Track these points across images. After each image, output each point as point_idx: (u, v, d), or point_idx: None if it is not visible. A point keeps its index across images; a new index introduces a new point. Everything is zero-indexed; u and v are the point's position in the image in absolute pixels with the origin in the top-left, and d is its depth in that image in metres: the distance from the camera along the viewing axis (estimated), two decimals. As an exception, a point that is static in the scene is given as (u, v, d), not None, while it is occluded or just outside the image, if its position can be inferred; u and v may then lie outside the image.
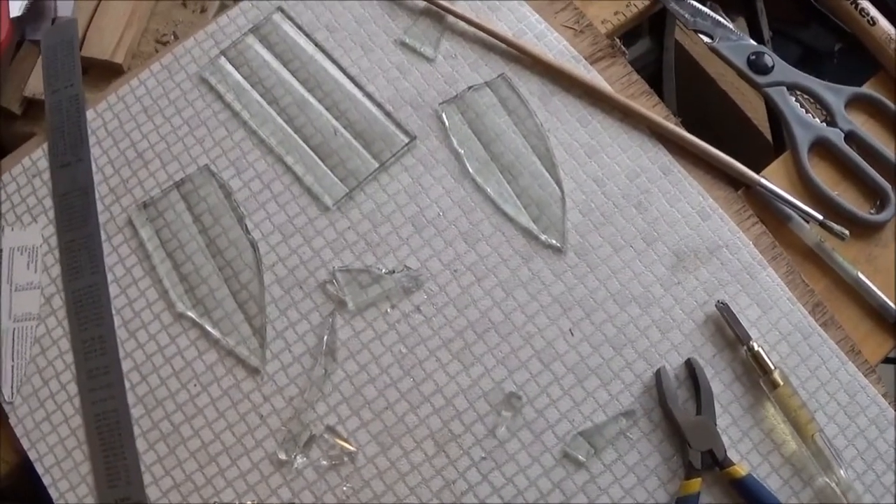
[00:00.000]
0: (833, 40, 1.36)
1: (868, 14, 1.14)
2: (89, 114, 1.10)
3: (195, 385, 1.00)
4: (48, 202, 1.07)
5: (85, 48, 1.18)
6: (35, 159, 1.09)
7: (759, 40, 1.23)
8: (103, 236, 1.05)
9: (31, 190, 1.08)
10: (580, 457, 0.96)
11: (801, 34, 1.38)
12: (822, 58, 1.39)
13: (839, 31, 1.20)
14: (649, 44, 1.34)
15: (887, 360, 1.12)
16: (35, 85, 1.18)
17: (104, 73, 1.19)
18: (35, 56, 1.20)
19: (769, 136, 1.33)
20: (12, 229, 1.06)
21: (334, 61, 1.10)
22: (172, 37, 1.22)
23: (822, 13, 1.19)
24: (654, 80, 1.23)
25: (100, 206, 1.06)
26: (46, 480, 0.98)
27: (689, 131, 1.07)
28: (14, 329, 1.02)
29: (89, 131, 1.09)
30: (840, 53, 1.34)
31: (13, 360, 1.01)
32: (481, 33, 1.10)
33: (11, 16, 1.18)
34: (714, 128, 1.28)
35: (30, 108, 1.21)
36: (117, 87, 1.11)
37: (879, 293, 1.03)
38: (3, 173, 1.09)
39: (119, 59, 1.18)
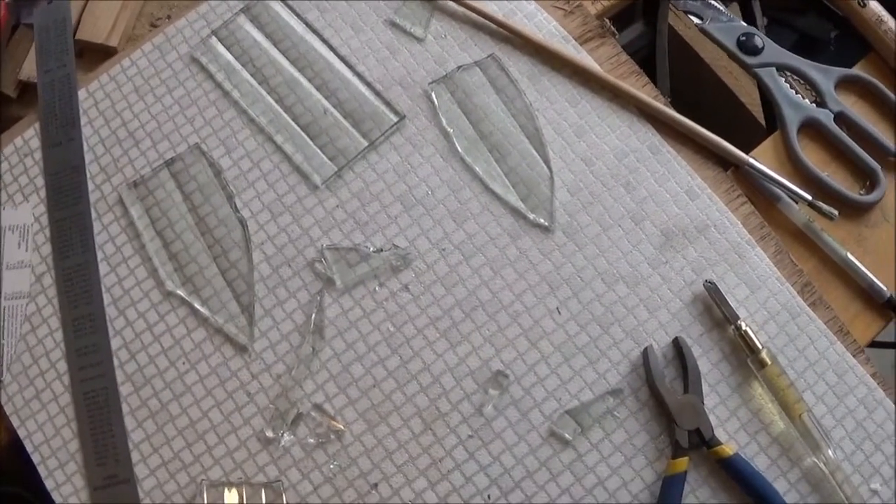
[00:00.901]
0: (829, 27, 1.36)
1: (860, -4, 1.14)
2: (81, 94, 1.10)
3: (183, 363, 1.00)
4: (39, 181, 1.07)
5: (80, 31, 1.18)
6: (27, 139, 1.09)
7: (752, 24, 1.22)
8: (93, 215, 1.05)
9: (23, 169, 1.08)
10: (567, 435, 0.96)
11: (797, 21, 1.37)
12: (819, 44, 1.39)
13: (835, 17, 1.20)
14: (642, 28, 1.34)
15: (880, 345, 1.12)
16: (30, 68, 1.18)
17: (99, 56, 1.19)
18: (30, 40, 1.20)
19: (763, 121, 1.33)
20: (3, 208, 1.06)
21: (325, 41, 1.10)
22: (167, 20, 1.22)
23: (816, 1, 1.19)
24: (648, 64, 1.22)
25: (90, 186, 1.07)
26: (35, 458, 0.98)
27: (682, 114, 1.06)
28: (5, 307, 1.03)
29: (81, 111, 1.09)
30: (836, 40, 1.33)
31: (3, 339, 1.02)
32: (471, 13, 1.10)
33: (6, -1, 1.18)
34: (707, 112, 1.27)
35: (24, 92, 1.21)
36: (109, 68, 1.12)
37: (868, 273, 1.03)
38: (-3, 153, 1.09)
39: (113, 42, 1.18)
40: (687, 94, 1.26)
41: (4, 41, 1.21)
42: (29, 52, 1.19)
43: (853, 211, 1.07)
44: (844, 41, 1.19)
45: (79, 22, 1.19)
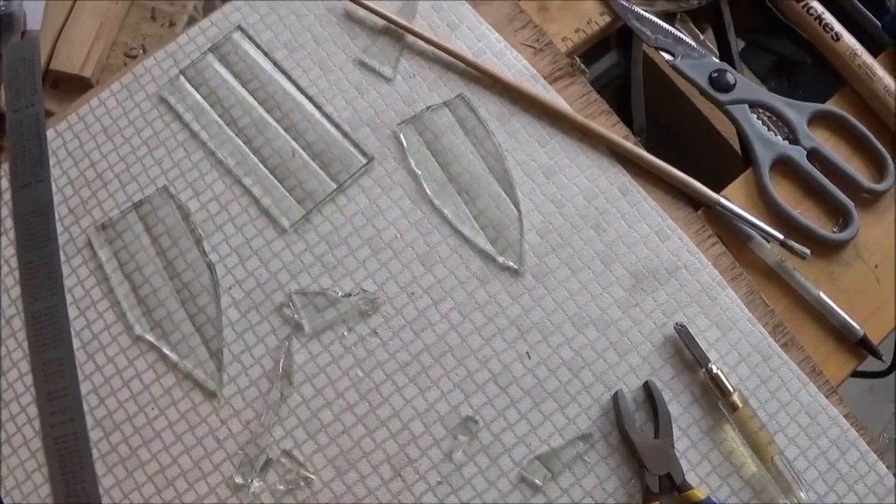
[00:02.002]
0: (804, 53, 1.35)
1: (832, 29, 1.13)
2: (50, 133, 1.09)
3: (153, 408, 0.99)
4: (8, 223, 1.06)
5: (54, 62, 1.17)
6: (-4, 179, 1.08)
7: (728, 52, 1.22)
8: (63, 257, 1.05)
9: (-7, 210, 1.07)
10: (537, 481, 0.96)
11: (774, 44, 1.37)
12: (796, 67, 1.38)
13: (806, 44, 1.19)
14: (616, 57, 1.33)
15: (861, 374, 1.11)
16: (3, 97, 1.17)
17: (74, 86, 1.18)
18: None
19: (740, 151, 1.33)
20: (-27, 249, 1.06)
21: (293, 81, 1.09)
22: (141, 50, 1.21)
23: (788, 27, 1.18)
24: (623, 94, 1.22)
25: (59, 227, 1.06)
26: (7, 502, 0.97)
27: (660, 145, 1.06)
28: (-26, 351, 1.02)
29: (50, 151, 1.09)
30: (814, 62, 1.33)
31: (-27, 383, 1.01)
32: (440, 52, 1.09)
33: (-21, 29, 1.18)
34: (684, 142, 1.27)
35: (3, 122, 1.20)
36: (78, 107, 1.11)
37: (841, 313, 1.03)
38: (-35, 194, 1.08)
39: (88, 73, 1.17)
40: (664, 124, 1.25)
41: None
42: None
43: (826, 249, 1.06)
44: (822, 64, 1.18)
45: (52, 52, 1.18)
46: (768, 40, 1.36)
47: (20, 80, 1.12)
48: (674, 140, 1.11)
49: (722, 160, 1.38)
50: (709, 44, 1.23)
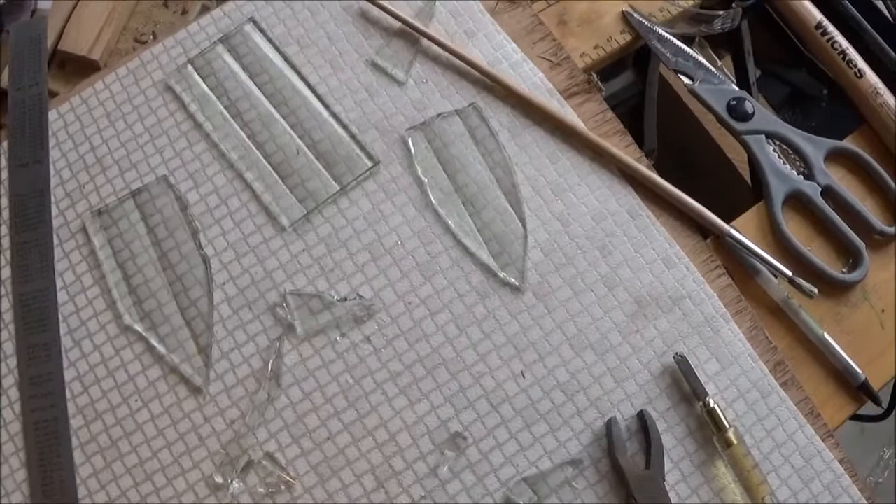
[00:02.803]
0: (820, 84, 1.34)
1: (855, 66, 1.11)
2: (51, 114, 1.08)
3: (136, 400, 0.97)
4: (3, 201, 1.05)
5: (62, 42, 1.16)
6: (-7, 157, 1.06)
7: (745, 80, 1.20)
8: (56, 241, 1.03)
9: (-13, 188, 1.05)
10: (522, 503, 0.93)
11: (790, 75, 1.35)
12: (811, 100, 1.37)
13: (825, 78, 1.18)
14: (632, 77, 1.31)
15: (855, 417, 1.10)
16: (7, 76, 1.16)
17: (81, 68, 1.17)
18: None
19: (750, 180, 1.31)
20: (-36, 227, 1.04)
21: (303, 78, 1.07)
22: (151, 36, 1.20)
23: (809, 60, 1.17)
24: (636, 114, 1.20)
25: (54, 210, 1.04)
26: (-18, 485, 0.96)
27: (669, 168, 1.05)
28: (-41, 330, 1.00)
29: (50, 132, 1.07)
30: (829, 96, 1.31)
31: (-44, 363, 0.99)
32: (455, 59, 1.08)
33: (-10, 7, 1.16)
34: (695, 167, 1.25)
35: (5, 100, 1.19)
36: (82, 90, 1.09)
37: (844, 355, 1.01)
38: (-40, 170, 1.07)
39: (96, 55, 1.16)
40: (675, 147, 1.24)
41: (-15, 48, 1.19)
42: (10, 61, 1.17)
43: (834, 289, 1.05)
44: (837, 98, 1.17)
45: (62, 33, 1.17)
46: (784, 71, 1.34)
47: (25, 59, 1.11)
48: (683, 164, 1.10)
49: (730, 189, 1.36)
50: (726, 70, 1.21)
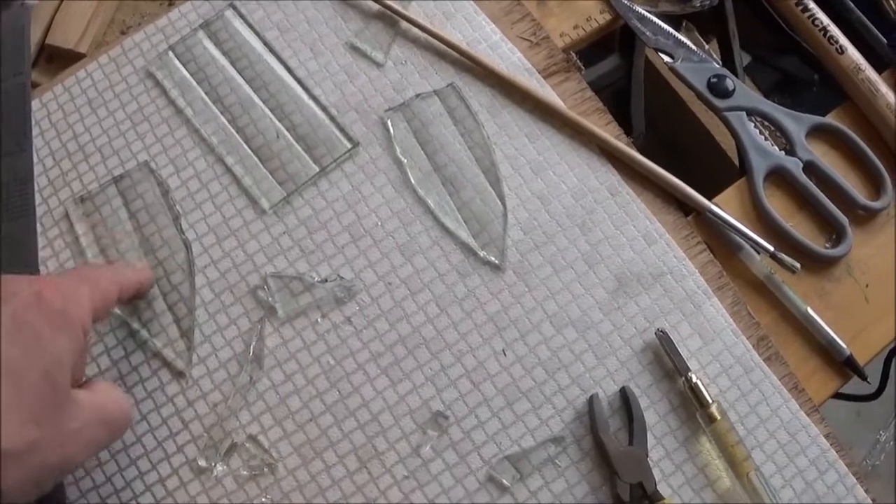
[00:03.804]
0: (811, 70, 1.33)
1: (837, 42, 1.11)
2: (35, 104, 1.08)
3: (120, 385, 0.97)
4: (-13, 191, 1.05)
5: (50, 36, 1.16)
6: (-22, 147, 1.07)
7: (731, 63, 1.20)
8: (39, 229, 1.03)
9: (-28, 178, 1.06)
10: (505, 481, 0.93)
11: (780, 61, 1.35)
12: (801, 85, 1.36)
13: (811, 58, 1.17)
14: (618, 60, 1.31)
15: (849, 397, 1.09)
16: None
17: (69, 62, 1.17)
18: (0, 39, 1.19)
19: (737, 161, 1.31)
20: (-52, 217, 1.04)
21: (282, 62, 1.08)
22: (137, 28, 1.20)
23: (794, 41, 1.16)
24: (623, 97, 1.20)
25: (38, 199, 1.04)
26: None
27: (657, 151, 1.04)
28: (-56, 319, 1.00)
29: (33, 121, 1.07)
30: (820, 82, 1.31)
31: (-60, 352, 0.99)
32: (434, 40, 1.08)
33: (-24, -3, 1.17)
34: (682, 150, 1.25)
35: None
36: (64, 78, 1.09)
37: (829, 330, 1.01)
38: (-56, 160, 1.07)
39: (83, 49, 1.16)
40: (662, 130, 1.23)
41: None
42: (-2, 52, 1.17)
43: (817, 264, 1.04)
44: (829, 82, 1.16)
45: (49, 27, 1.17)
46: (774, 57, 1.34)
47: (8, 50, 1.11)
48: (672, 147, 1.10)
49: (719, 170, 1.36)
50: (713, 54, 1.21)
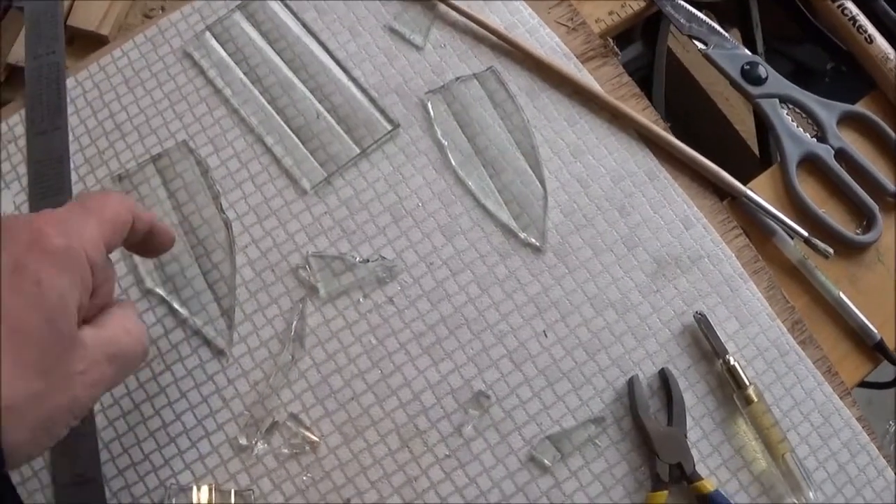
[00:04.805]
0: (826, 58, 1.35)
1: (866, 32, 1.12)
2: (69, 82, 1.08)
3: (159, 363, 0.97)
4: (22, 169, 1.04)
5: (71, 18, 1.16)
6: (12, 125, 1.06)
7: (753, 52, 1.21)
8: (76, 207, 1.02)
9: (6, 156, 1.05)
10: (546, 461, 0.94)
11: (793, 51, 1.36)
12: (814, 75, 1.38)
13: (833, 48, 1.19)
14: (641, 48, 1.32)
15: (865, 384, 1.10)
16: (19, 52, 1.15)
17: (89, 43, 1.16)
18: (20, 24, 1.18)
19: (756, 149, 1.32)
20: (-16, 194, 1.04)
21: (321, 43, 1.08)
22: (161, 11, 1.20)
23: (817, 30, 1.18)
24: (644, 85, 1.21)
25: (74, 177, 1.04)
26: (3, 451, 0.95)
27: (676, 138, 1.05)
28: (-21, 296, 1.00)
29: (68, 100, 1.07)
30: (832, 72, 1.32)
31: (-24, 328, 0.99)
32: (472, 24, 1.08)
33: (-4, -19, 1.16)
34: (701, 137, 1.27)
35: (12, 76, 1.18)
36: (99, 57, 1.09)
37: (860, 314, 1.02)
38: (-23, 138, 1.06)
39: (105, 30, 1.16)
40: (681, 117, 1.25)
41: (-7, 23, 1.19)
42: (18, 36, 1.17)
43: (848, 250, 1.05)
44: (840, 73, 1.18)
45: (70, 8, 1.17)
46: (788, 47, 1.36)
47: (41, 29, 1.11)
48: (689, 134, 1.10)
49: (737, 158, 1.38)
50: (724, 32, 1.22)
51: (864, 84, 1.16)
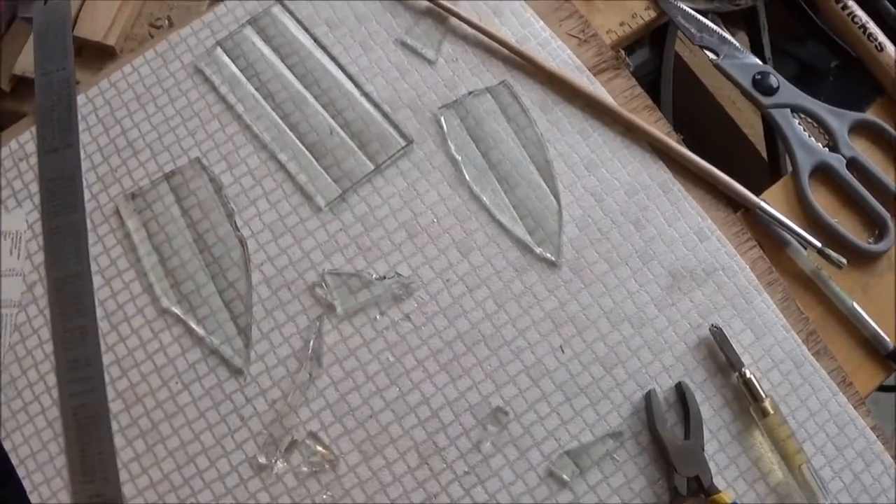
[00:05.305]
0: (830, 58, 1.35)
1: (876, 39, 1.12)
2: (80, 99, 1.07)
3: (176, 382, 0.98)
4: (34, 187, 1.04)
5: (77, 28, 1.16)
6: (23, 142, 1.06)
7: (760, 56, 1.21)
8: (89, 225, 1.03)
9: (17, 174, 1.05)
10: (565, 476, 0.95)
11: (797, 50, 1.36)
12: (819, 74, 1.38)
13: (837, 48, 1.19)
14: (649, 54, 1.32)
15: (884, 388, 1.11)
16: (25, 62, 1.15)
17: (96, 54, 1.16)
18: (26, 34, 1.18)
19: (764, 153, 1.32)
20: (-2, 212, 1.04)
21: (333, 58, 1.07)
22: (167, 21, 1.20)
23: (821, 30, 1.18)
24: (652, 90, 1.21)
25: (87, 195, 1.04)
26: (20, 472, 0.95)
27: (685, 144, 1.05)
28: (-6, 315, 1.00)
29: (79, 116, 1.07)
30: (837, 71, 1.32)
31: (-9, 348, 0.99)
32: (484, 37, 1.08)
33: (2, -9, 1.16)
34: (709, 141, 1.26)
35: (19, 87, 1.18)
36: (110, 73, 1.09)
37: (873, 324, 1.02)
38: (-11, 155, 1.06)
39: (111, 41, 1.16)
40: (688, 122, 1.25)
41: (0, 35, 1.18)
42: (24, 47, 1.16)
43: (860, 259, 1.06)
44: (846, 73, 1.18)
45: (76, 19, 1.16)
46: (792, 46, 1.36)
47: (49, 44, 1.11)
48: (697, 140, 1.10)
49: (746, 163, 1.38)
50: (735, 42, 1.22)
51: (870, 85, 1.16)
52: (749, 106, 1.25)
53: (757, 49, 1.24)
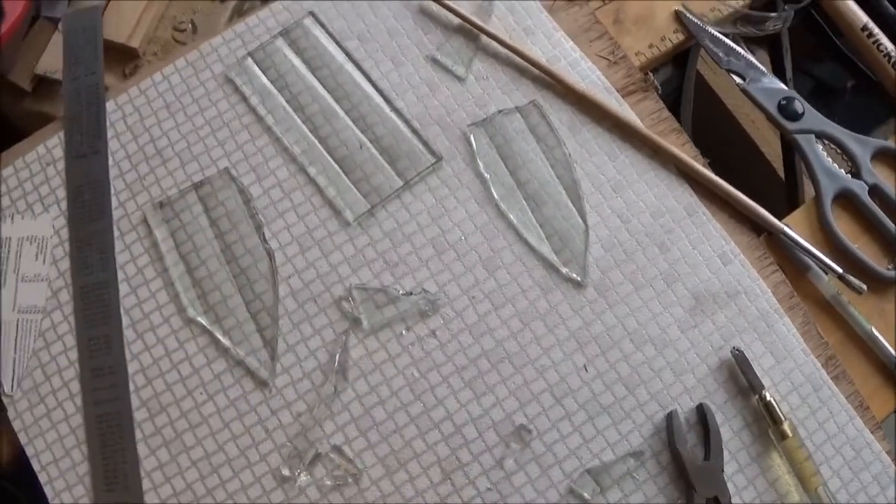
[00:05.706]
0: (846, 77, 1.36)
1: (894, 59, 1.13)
2: (109, 105, 1.07)
3: (201, 393, 0.98)
4: (61, 193, 1.05)
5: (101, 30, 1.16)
6: (50, 147, 1.06)
7: (782, 77, 1.22)
8: (116, 233, 1.03)
9: (44, 179, 1.05)
10: (585, 494, 0.95)
11: (814, 69, 1.37)
12: (835, 94, 1.39)
13: (854, 68, 1.20)
14: (671, 72, 1.33)
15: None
16: (48, 63, 1.16)
17: (119, 56, 1.17)
18: (48, 33, 1.18)
19: (781, 172, 1.33)
20: (22, 217, 1.04)
21: (364, 73, 1.08)
22: (190, 25, 1.20)
23: (839, 50, 1.19)
24: (673, 108, 1.22)
25: (114, 202, 1.04)
26: (42, 478, 0.96)
27: (710, 168, 1.06)
28: (18, 321, 1.00)
29: (108, 123, 1.07)
30: (853, 90, 1.33)
31: (15, 353, 0.99)
32: (514, 56, 1.09)
33: (27, -9, 1.16)
34: (727, 159, 1.27)
35: (41, 86, 1.19)
36: (139, 80, 1.09)
37: (891, 349, 1.03)
38: (17, 159, 1.06)
39: (135, 43, 1.16)
40: (708, 140, 1.25)
41: (22, 34, 1.18)
42: (46, 47, 1.17)
43: (879, 285, 1.07)
44: (861, 92, 1.19)
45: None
46: (808, 65, 1.37)
47: (79, 49, 1.11)
48: (716, 159, 1.11)
49: (764, 184, 1.38)
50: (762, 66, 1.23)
51: (886, 106, 1.17)
52: (767, 125, 1.26)
53: (778, 70, 1.25)
